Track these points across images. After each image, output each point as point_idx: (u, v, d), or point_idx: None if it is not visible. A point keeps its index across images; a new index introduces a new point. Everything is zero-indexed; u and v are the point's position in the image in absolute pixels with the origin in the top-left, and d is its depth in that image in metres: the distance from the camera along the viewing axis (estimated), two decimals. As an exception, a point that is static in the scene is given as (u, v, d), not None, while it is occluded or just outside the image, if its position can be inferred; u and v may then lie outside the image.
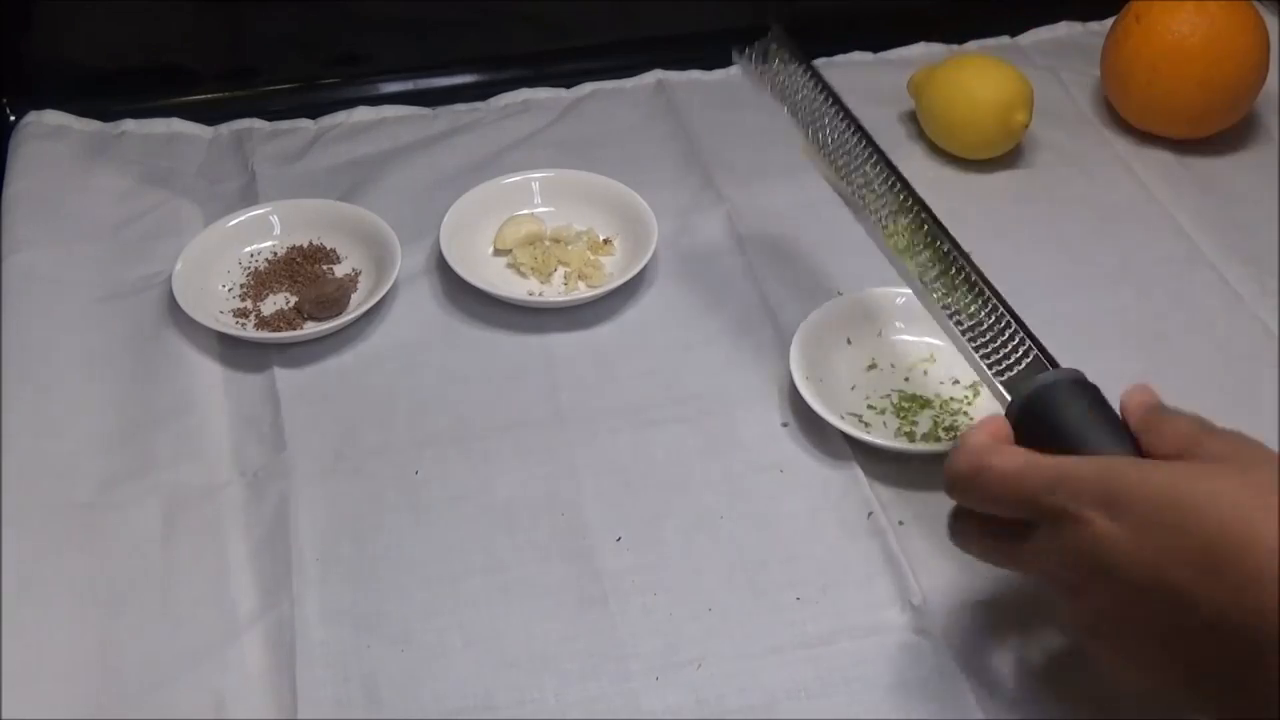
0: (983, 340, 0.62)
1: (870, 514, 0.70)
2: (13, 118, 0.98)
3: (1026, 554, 0.56)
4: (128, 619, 0.66)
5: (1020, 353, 0.61)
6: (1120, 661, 0.55)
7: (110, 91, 1.00)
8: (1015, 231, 0.88)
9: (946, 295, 0.63)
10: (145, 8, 0.98)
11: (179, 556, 0.69)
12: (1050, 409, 0.58)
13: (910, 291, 0.67)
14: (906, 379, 0.77)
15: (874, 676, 0.63)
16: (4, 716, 0.61)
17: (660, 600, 0.67)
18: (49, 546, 0.69)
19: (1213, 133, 0.94)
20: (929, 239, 0.64)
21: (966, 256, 0.64)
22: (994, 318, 0.62)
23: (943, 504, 0.70)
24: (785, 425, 0.75)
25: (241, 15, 1.01)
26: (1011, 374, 0.61)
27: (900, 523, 0.70)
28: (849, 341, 0.78)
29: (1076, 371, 0.59)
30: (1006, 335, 0.62)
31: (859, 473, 0.72)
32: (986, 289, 0.63)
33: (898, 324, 0.79)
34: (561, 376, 0.79)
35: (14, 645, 0.64)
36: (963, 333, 0.62)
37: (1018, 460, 0.56)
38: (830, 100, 0.68)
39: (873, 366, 0.77)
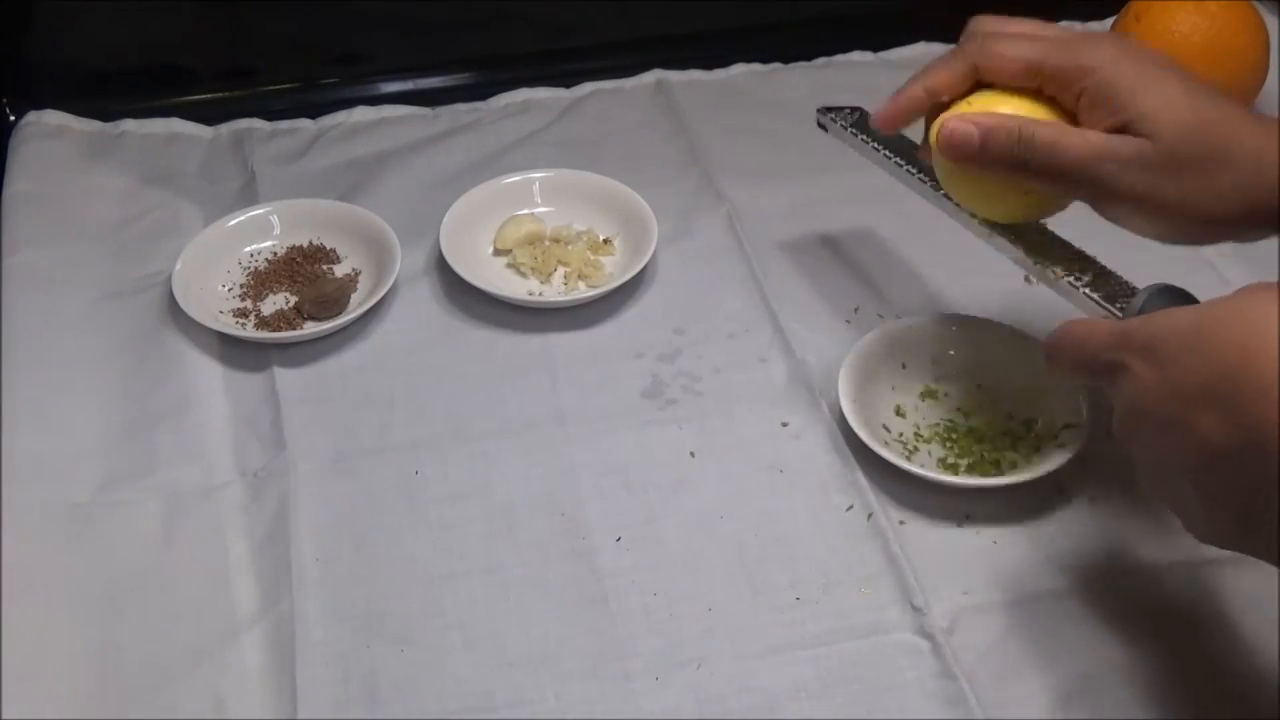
0: (1084, 281, 0.68)
1: (870, 515, 0.70)
2: (13, 118, 0.98)
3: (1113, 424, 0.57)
4: (128, 619, 0.66)
5: (1113, 284, 0.68)
6: (1179, 514, 0.54)
7: (110, 91, 1.00)
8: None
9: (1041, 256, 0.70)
10: (145, 8, 0.98)
11: (179, 556, 0.69)
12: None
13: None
14: (959, 408, 0.76)
15: (874, 676, 0.63)
16: (4, 716, 0.61)
17: (660, 600, 0.67)
18: (49, 546, 0.69)
19: (1213, 133, 0.94)
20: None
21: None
22: (1083, 264, 0.69)
23: (943, 506, 0.71)
24: (785, 425, 0.75)
25: (241, 15, 1.01)
26: (1117, 303, 0.66)
27: (901, 523, 0.70)
28: (904, 366, 0.76)
29: (1171, 285, 0.64)
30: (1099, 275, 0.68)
31: (859, 473, 0.72)
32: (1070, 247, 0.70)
33: (950, 352, 0.77)
34: (561, 376, 0.79)
35: (14, 645, 0.64)
36: (1067, 280, 0.68)
37: (1087, 324, 0.58)
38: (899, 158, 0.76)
39: (926, 394, 0.76)
